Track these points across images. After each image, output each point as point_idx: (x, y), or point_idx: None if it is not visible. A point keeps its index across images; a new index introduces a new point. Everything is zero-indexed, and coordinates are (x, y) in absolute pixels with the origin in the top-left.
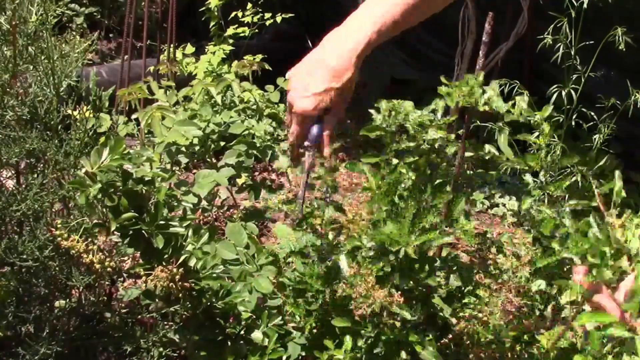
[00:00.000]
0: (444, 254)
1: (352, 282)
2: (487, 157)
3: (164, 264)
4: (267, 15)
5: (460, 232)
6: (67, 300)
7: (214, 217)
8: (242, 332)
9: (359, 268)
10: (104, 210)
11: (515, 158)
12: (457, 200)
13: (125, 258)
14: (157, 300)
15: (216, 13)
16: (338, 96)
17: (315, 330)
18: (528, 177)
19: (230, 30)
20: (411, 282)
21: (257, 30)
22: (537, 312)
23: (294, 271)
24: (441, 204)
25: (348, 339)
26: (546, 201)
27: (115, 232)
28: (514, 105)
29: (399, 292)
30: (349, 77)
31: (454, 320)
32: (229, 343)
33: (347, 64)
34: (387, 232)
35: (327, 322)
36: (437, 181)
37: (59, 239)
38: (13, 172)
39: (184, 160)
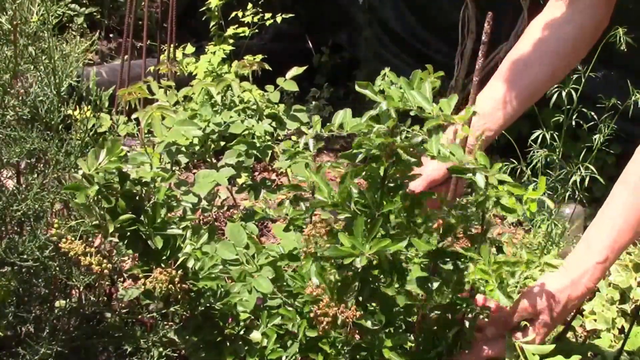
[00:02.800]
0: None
1: (312, 297)
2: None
3: (162, 265)
4: (267, 15)
5: (414, 236)
6: (67, 300)
7: (214, 217)
8: (241, 333)
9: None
10: (102, 212)
11: (464, 157)
12: (415, 204)
13: (125, 258)
14: (156, 300)
15: (216, 13)
16: None
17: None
18: (478, 177)
19: (230, 30)
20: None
21: (257, 31)
22: None
23: (293, 271)
24: (391, 210)
25: (325, 346)
26: None
27: (114, 234)
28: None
29: (359, 303)
30: None
31: None
32: (228, 344)
33: None
34: (343, 245)
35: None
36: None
37: (56, 239)
38: (13, 172)
39: (184, 160)
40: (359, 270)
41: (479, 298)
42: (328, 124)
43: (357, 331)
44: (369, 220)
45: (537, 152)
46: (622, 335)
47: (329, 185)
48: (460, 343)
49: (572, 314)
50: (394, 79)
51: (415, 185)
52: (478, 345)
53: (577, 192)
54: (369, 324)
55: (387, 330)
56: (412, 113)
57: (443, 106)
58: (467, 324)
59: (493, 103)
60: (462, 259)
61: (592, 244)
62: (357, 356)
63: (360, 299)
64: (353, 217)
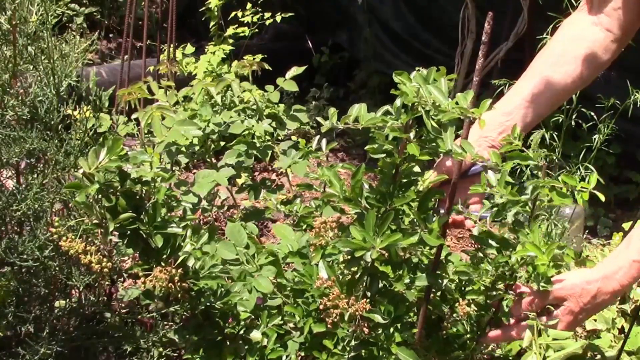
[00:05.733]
0: (443, 254)
1: (323, 291)
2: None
3: (162, 264)
4: (267, 15)
5: (426, 232)
6: (67, 300)
7: (214, 217)
8: (241, 332)
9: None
10: (102, 210)
11: (476, 154)
12: (426, 200)
13: (125, 258)
14: (156, 300)
15: (216, 13)
16: None
17: (315, 331)
18: (490, 175)
19: (230, 30)
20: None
21: (257, 30)
22: None
23: (294, 271)
24: (404, 205)
25: (328, 342)
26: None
27: (115, 233)
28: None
29: (368, 298)
30: None
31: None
32: (228, 343)
33: None
34: (354, 237)
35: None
36: (403, 181)
37: (56, 237)
38: (13, 172)
39: (184, 160)
40: (369, 264)
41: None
42: (343, 116)
43: (365, 325)
44: (379, 215)
45: (537, 151)
46: (622, 335)
47: (341, 180)
48: (489, 323)
49: None
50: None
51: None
52: (504, 325)
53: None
54: (378, 318)
55: (395, 326)
56: (427, 108)
57: (459, 100)
58: (503, 306)
59: (519, 101)
60: (504, 244)
61: (632, 243)
62: (363, 352)
63: (369, 294)
64: (364, 212)
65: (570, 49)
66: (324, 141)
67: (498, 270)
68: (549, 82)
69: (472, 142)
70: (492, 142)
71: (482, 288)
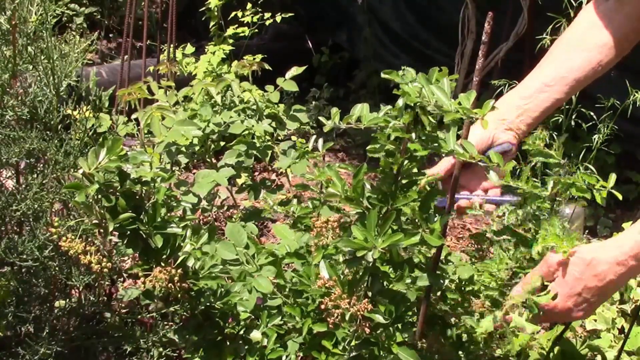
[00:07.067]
0: (443, 254)
1: (323, 291)
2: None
3: (162, 264)
4: (267, 15)
5: (427, 232)
6: (67, 300)
7: (214, 217)
8: (241, 332)
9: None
10: (102, 210)
11: (478, 155)
12: (428, 200)
13: (125, 258)
14: (156, 300)
15: (216, 13)
16: None
17: (315, 331)
18: (492, 175)
19: (230, 30)
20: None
21: (257, 30)
22: None
23: (293, 271)
24: (406, 205)
25: (327, 343)
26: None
27: (114, 233)
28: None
29: (369, 297)
30: None
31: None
32: (228, 343)
33: None
34: (356, 237)
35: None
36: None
37: (56, 237)
38: (13, 172)
39: (184, 160)
40: (370, 264)
41: None
42: (346, 116)
43: (366, 324)
44: (381, 215)
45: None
46: (622, 335)
47: (343, 180)
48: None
49: None
50: (412, 75)
51: (439, 169)
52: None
53: None
54: (379, 317)
55: (396, 326)
56: (429, 109)
57: (462, 100)
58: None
59: (538, 85)
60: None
61: (637, 224)
62: (363, 352)
63: (370, 293)
64: (365, 212)
65: (591, 35)
66: (320, 141)
67: (517, 263)
68: (568, 67)
69: (489, 124)
70: (510, 125)
71: (497, 284)
